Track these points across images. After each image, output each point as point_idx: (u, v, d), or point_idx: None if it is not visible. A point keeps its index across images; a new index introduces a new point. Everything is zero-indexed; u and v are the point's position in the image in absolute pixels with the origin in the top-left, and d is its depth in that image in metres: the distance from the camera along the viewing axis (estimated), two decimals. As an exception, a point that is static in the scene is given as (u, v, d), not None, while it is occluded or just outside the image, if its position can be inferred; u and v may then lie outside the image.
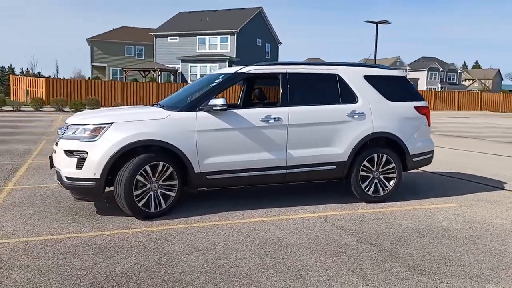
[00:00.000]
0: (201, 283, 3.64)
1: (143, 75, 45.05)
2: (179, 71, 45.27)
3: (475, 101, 44.84)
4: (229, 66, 42.58)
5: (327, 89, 6.21)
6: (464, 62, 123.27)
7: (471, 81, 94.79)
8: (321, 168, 6.02)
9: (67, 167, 5.24)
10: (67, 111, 25.91)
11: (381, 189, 6.29)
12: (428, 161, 6.82)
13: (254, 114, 5.72)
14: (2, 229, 4.87)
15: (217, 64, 43.30)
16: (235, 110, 5.68)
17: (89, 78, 48.88)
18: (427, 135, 6.78)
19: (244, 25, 44.98)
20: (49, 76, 58.68)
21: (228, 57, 42.95)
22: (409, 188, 7.17)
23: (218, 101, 5.43)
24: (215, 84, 5.92)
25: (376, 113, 6.24)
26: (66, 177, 5.24)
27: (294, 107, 5.89)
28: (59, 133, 5.73)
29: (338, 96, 6.18)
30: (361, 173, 6.19)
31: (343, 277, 3.79)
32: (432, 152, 6.85)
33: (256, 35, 47.71)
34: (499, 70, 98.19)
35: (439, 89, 69.37)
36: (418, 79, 78.69)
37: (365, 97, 6.26)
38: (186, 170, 5.45)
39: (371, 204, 6.22)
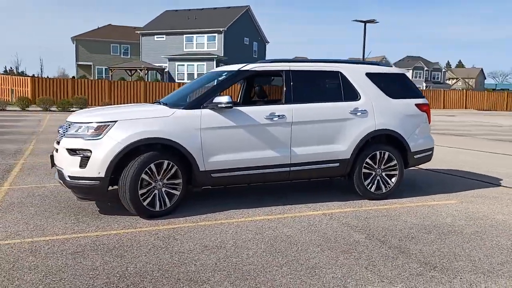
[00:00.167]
0: (217, 281, 3.61)
1: (130, 74, 44.66)
2: (166, 70, 44.99)
3: (460, 99, 45.42)
4: (216, 65, 42.54)
5: (330, 86, 6.23)
6: (448, 61, 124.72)
7: (455, 80, 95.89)
8: (325, 165, 6.02)
9: (70, 166, 5.15)
10: (54, 111, 25.57)
11: (383, 186, 6.32)
12: (428, 158, 6.88)
13: (258, 112, 5.69)
14: (5, 229, 4.77)
15: (204, 63, 43.15)
16: (240, 108, 5.64)
17: (73, 77, 48.33)
18: (427, 132, 6.83)
19: (232, 24, 44.88)
20: (33, 75, 57.79)
21: (216, 56, 42.82)
22: (408, 186, 7.22)
23: (223, 99, 5.39)
24: (218, 81, 5.88)
25: (378, 111, 6.26)
26: (69, 176, 5.15)
27: (297, 104, 5.88)
28: (59, 131, 5.63)
29: (340, 93, 6.19)
30: (364, 170, 6.22)
31: (357, 274, 3.79)
32: (432, 149, 6.91)
33: (243, 34, 47.64)
34: (482, 69, 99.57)
35: (424, 88, 70.07)
36: (403, 78, 79.16)
37: (367, 94, 6.28)
38: (190, 169, 5.40)
39: (374, 201, 6.24)
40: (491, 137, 16.31)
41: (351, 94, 6.23)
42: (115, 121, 5.16)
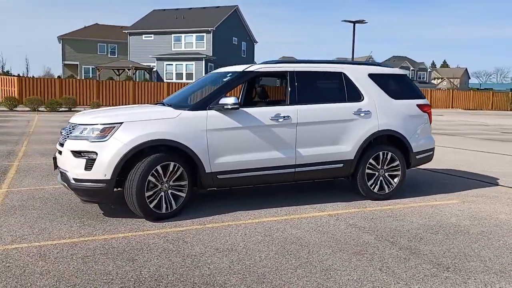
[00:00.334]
0: (233, 284, 3.58)
1: (117, 73, 44.31)
2: (154, 70, 44.70)
3: (447, 99, 45.89)
4: (205, 65, 42.41)
5: (334, 87, 6.24)
6: (433, 61, 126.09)
7: (440, 80, 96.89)
8: (329, 166, 6.03)
9: (75, 168, 5.08)
10: (43, 111, 25.25)
11: (386, 186, 6.35)
12: (429, 158, 6.93)
13: (263, 113, 5.67)
14: (10, 233, 4.68)
15: (193, 63, 42.98)
16: (245, 109, 5.62)
17: (59, 76, 47.75)
18: (428, 133, 6.88)
19: (220, 24, 44.77)
20: (19, 74, 56.96)
21: (205, 56, 42.67)
22: (409, 186, 7.26)
23: (229, 100, 5.36)
24: (224, 82, 5.85)
25: (381, 111, 6.29)
26: (74, 179, 5.07)
27: (302, 105, 5.87)
28: (62, 133, 5.55)
29: (344, 94, 6.20)
30: (367, 171, 6.24)
31: (373, 276, 3.79)
32: (433, 149, 6.96)
33: (232, 33, 47.57)
34: (466, 69, 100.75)
35: (411, 88, 70.61)
36: (389, 77, 79.85)
37: (370, 95, 6.30)
38: (196, 170, 5.36)
39: (377, 201, 6.27)
40: (480, 137, 16.51)
41: (354, 94, 6.24)
42: (121, 123, 5.10)
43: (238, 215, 5.49)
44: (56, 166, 5.58)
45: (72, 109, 26.62)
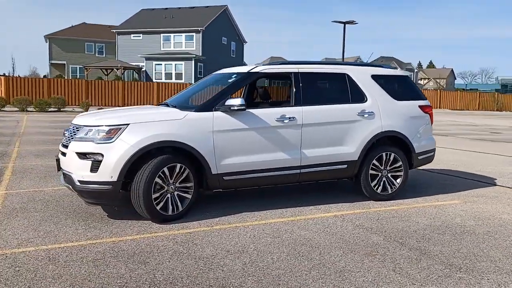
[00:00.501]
0: (250, 287, 3.55)
1: (106, 73, 43.88)
2: (143, 69, 44.40)
3: (434, 99, 46.33)
4: (195, 65, 42.25)
5: (337, 88, 6.25)
6: (420, 61, 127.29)
7: (426, 80, 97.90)
8: (333, 167, 6.03)
9: (80, 170, 5.00)
10: (31, 111, 24.92)
11: (389, 187, 6.38)
12: (431, 159, 6.98)
13: (269, 114, 5.66)
14: (15, 236, 4.60)
15: (182, 63, 42.77)
16: (251, 110, 5.59)
17: (44, 76, 47.19)
18: (429, 134, 6.93)
19: (210, 23, 44.62)
20: (5, 74, 56.13)
21: (194, 55, 42.49)
22: (410, 186, 7.29)
23: (236, 101, 5.34)
24: (229, 83, 5.82)
25: (384, 112, 6.31)
26: (79, 181, 5.00)
27: (307, 106, 5.87)
28: (65, 134, 5.47)
29: (348, 95, 6.21)
30: (371, 171, 6.26)
31: (387, 277, 3.80)
32: (434, 150, 7.01)
33: (221, 33, 47.44)
34: (452, 70, 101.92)
35: (398, 88, 71.24)
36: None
37: (373, 96, 6.33)
38: (203, 172, 5.32)
39: (381, 202, 6.29)
40: (471, 137, 16.70)
41: (358, 96, 6.26)
42: (127, 124, 5.04)
43: (245, 217, 5.47)
44: (59, 168, 5.49)
45: (62, 109, 26.31)
